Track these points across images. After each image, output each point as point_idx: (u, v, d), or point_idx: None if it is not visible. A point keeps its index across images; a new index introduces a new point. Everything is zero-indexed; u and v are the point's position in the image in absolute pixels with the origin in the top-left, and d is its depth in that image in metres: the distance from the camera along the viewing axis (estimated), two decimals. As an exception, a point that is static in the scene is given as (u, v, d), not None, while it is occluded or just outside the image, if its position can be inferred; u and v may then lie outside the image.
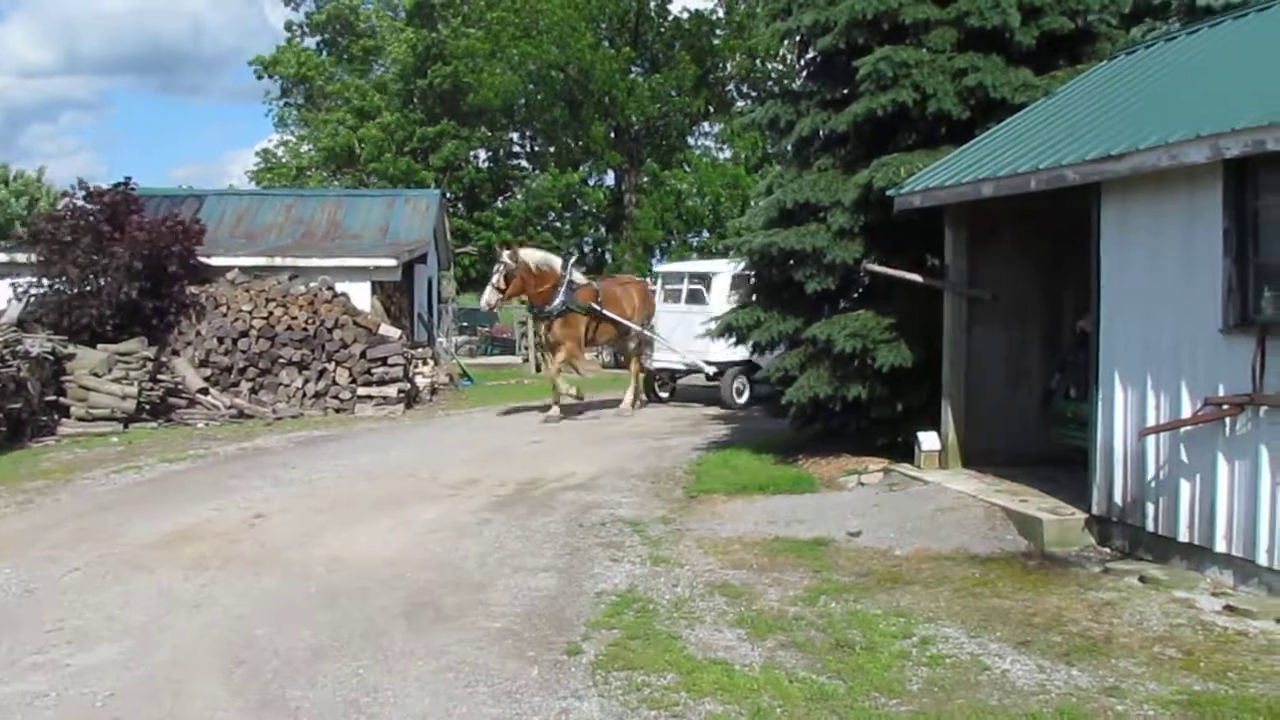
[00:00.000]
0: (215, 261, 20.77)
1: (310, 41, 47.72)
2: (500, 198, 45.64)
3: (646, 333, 18.86)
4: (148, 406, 16.92)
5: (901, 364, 10.99)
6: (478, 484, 11.79)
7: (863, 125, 11.94)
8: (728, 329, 13.30)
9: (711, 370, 18.93)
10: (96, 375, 16.48)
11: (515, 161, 47.99)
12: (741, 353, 17.74)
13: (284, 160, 46.18)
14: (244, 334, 18.91)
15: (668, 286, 20.61)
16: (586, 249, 45.26)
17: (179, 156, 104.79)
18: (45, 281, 18.90)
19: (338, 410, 18.74)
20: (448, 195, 40.01)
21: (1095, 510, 8.55)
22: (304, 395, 18.86)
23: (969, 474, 10.45)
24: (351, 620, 7.04)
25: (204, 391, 17.99)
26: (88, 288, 18.55)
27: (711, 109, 44.99)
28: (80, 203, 19.49)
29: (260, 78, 46.45)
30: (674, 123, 44.38)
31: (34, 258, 19.06)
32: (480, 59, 40.75)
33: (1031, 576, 7.77)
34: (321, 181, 42.90)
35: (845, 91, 12.52)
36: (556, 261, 18.00)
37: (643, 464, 13.11)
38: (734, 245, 14.10)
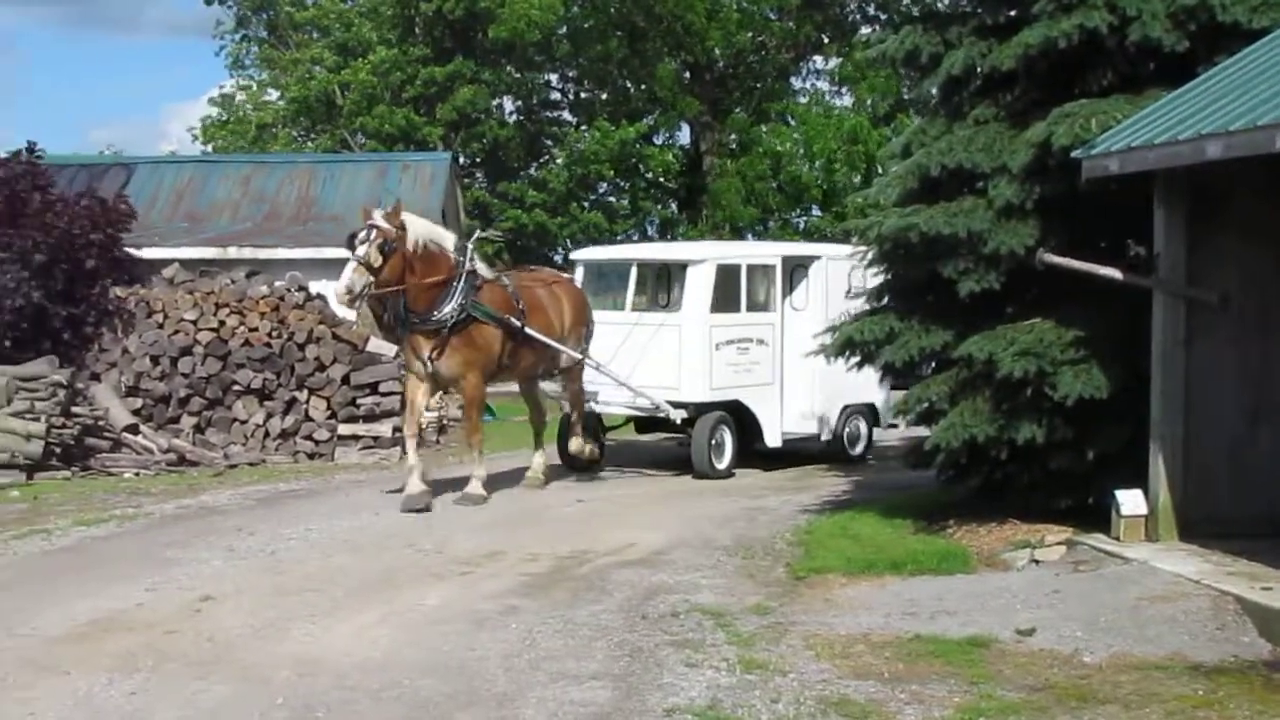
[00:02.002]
0: (149, 253, 21.18)
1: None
2: (534, 163, 45.94)
3: (587, 359, 16.67)
4: (59, 449, 17.23)
5: (1092, 394, 10.90)
6: (500, 558, 11.85)
7: (1037, 61, 11.89)
8: (848, 345, 13.26)
9: (679, 416, 16.89)
10: (-9, 407, 16.84)
11: (554, 113, 48.31)
12: (732, 389, 16.92)
13: (243, 114, 46.87)
14: (186, 351, 19.20)
15: (596, 290, 18.39)
16: (651, 232, 45.41)
17: (102, 113, 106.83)
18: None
19: (312, 455, 18.93)
20: (462, 160, 40.42)
21: (1370, 601, 8.40)
22: (266, 435, 19.09)
23: (1188, 549, 10.33)
24: (330, 745, 7.10)
25: (133, 429, 18.28)
26: (-21, 290, 18.98)
27: (824, 38, 44.89)
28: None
29: (209, 3, 47.31)
30: (772, 58, 44.36)
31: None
32: (507, -27, 41.14)
33: (1278, 696, 7.63)
34: (291, 144, 43.48)
35: (1012, 14, 12.48)
36: (449, 240, 15.33)
37: (729, 531, 13.10)
38: (856, 229, 14.07)
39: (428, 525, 13.53)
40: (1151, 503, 10.71)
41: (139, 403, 18.93)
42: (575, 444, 16.89)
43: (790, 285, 18.06)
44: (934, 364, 12.95)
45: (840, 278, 17.93)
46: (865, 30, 42.76)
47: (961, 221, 11.77)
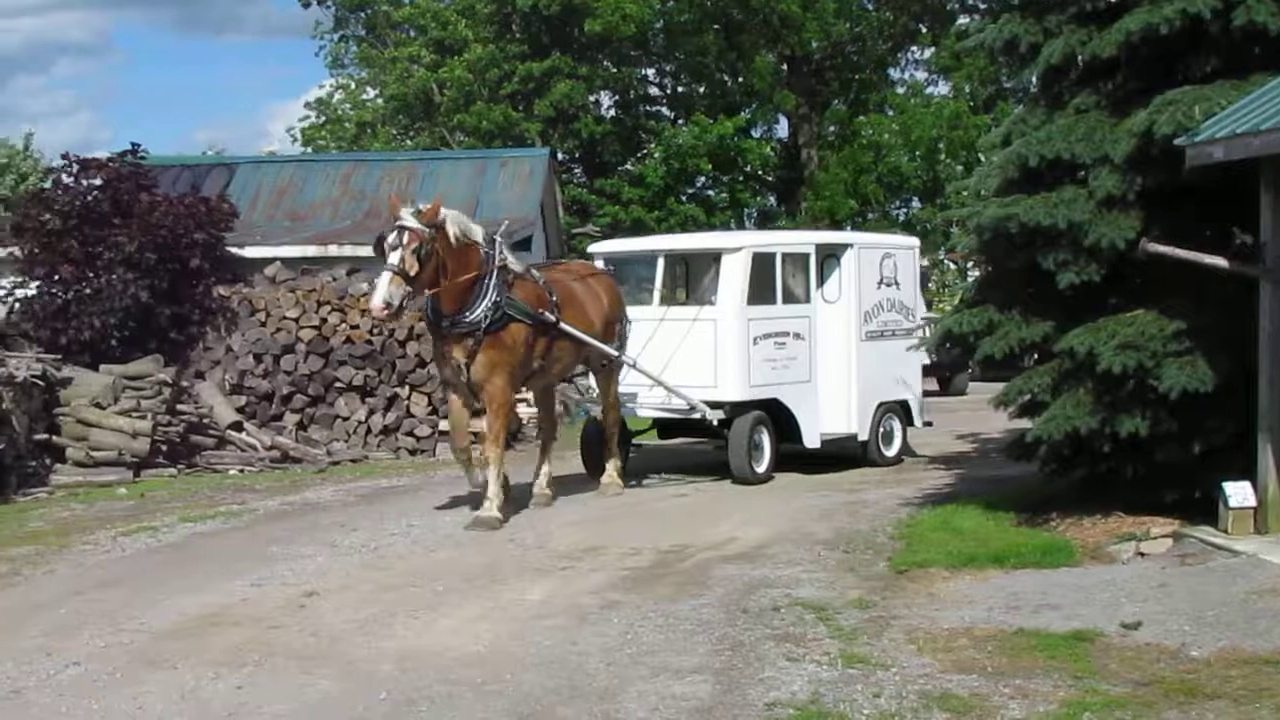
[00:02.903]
0: (250, 252, 21.52)
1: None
2: (632, 158, 46.03)
3: (626, 358, 15.55)
4: (165, 447, 17.62)
5: (1197, 387, 10.76)
6: (601, 553, 11.94)
7: (1139, 48, 11.76)
8: (948, 337, 13.22)
9: (715, 417, 15.85)
10: (100, 406, 17.21)
11: (652, 108, 48.38)
12: (770, 386, 16.01)
13: (341, 112, 47.47)
14: (289, 349, 19.52)
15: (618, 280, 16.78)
16: (749, 224, 45.41)
17: (204, 114, 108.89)
18: (32, 284, 19.81)
19: (413, 451, 19.16)
20: (559, 156, 40.60)
21: None
22: (368, 431, 19.35)
23: (1299, 542, 10.18)
24: (433, 738, 7.20)
25: (237, 427, 18.61)
26: (86, 290, 19.41)
27: (922, 28, 44.64)
28: (73, 180, 20.40)
29: (307, 5, 47.89)
30: (869, 49, 44.16)
31: (18, 253, 20.01)
32: (602, -33, 41.28)
33: (1392, 690, 7.50)
34: (390, 142, 43.93)
35: (1113, 0, 12.35)
36: (478, 232, 13.85)
37: (829, 526, 13.10)
38: (957, 219, 14.03)
39: (528, 520, 13.65)
40: (1260, 495, 10.58)
41: (243, 400, 19.28)
42: (609, 472, 15.45)
43: (822, 276, 17.16)
44: (1035, 355, 12.87)
45: (872, 267, 17.33)
46: (963, 20, 42.56)
47: (1062, 212, 11.66)
